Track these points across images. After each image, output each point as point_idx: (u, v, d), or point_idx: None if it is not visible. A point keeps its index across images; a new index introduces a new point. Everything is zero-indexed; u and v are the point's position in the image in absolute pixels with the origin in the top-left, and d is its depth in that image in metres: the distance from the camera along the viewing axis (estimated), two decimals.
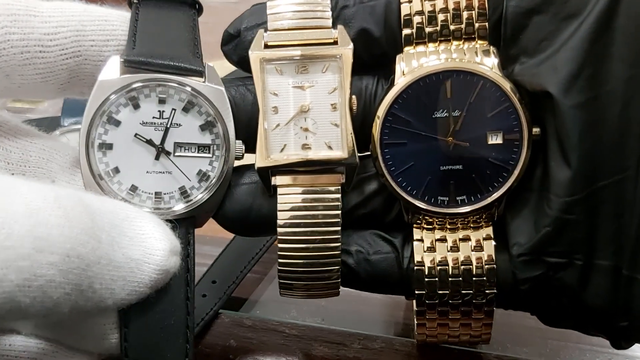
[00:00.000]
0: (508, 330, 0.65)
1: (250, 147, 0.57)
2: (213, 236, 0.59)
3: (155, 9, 0.59)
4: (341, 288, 0.59)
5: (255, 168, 0.56)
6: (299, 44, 0.56)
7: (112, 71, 0.54)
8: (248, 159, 0.58)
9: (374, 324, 0.72)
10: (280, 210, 0.56)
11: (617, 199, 0.53)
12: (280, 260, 0.57)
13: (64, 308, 0.44)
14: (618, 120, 0.52)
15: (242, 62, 0.58)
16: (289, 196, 0.56)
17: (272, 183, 0.57)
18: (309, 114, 0.56)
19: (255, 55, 0.56)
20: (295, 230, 0.56)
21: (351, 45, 0.56)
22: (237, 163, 0.58)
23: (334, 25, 0.57)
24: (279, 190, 0.57)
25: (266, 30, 0.57)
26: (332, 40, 0.56)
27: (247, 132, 0.57)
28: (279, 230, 0.56)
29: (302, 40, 0.56)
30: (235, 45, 0.58)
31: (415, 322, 0.60)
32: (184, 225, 0.56)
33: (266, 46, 0.56)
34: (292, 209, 0.56)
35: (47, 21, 0.54)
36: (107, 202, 0.50)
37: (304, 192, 0.57)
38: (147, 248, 0.49)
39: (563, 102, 0.52)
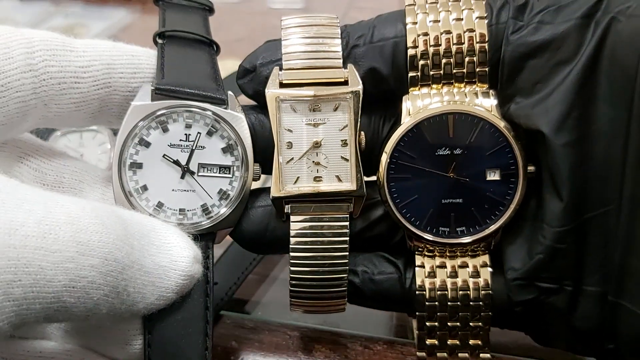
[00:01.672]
0: (510, 332, 0.66)
1: (267, 170, 0.61)
2: None
3: (179, 47, 0.63)
4: None
5: (271, 198, 0.60)
6: (312, 82, 0.60)
7: (144, 97, 0.59)
8: (264, 180, 0.62)
9: (375, 326, 0.74)
10: (292, 237, 0.60)
11: (602, 229, 0.57)
12: (292, 282, 0.61)
13: (102, 309, 0.48)
14: (603, 157, 0.56)
15: (257, 96, 0.62)
16: (301, 223, 0.60)
17: (286, 211, 0.60)
18: (320, 149, 0.60)
19: (271, 94, 0.59)
20: (306, 255, 0.60)
21: (361, 86, 0.59)
22: (254, 185, 0.62)
23: (345, 64, 0.60)
24: (292, 218, 0.60)
25: (281, 68, 0.60)
26: (342, 80, 0.60)
27: (264, 156, 0.61)
28: (291, 254, 0.60)
29: (315, 79, 0.60)
30: (251, 79, 0.62)
31: (416, 342, 0.64)
32: (205, 240, 0.60)
33: (281, 84, 0.60)
34: (303, 235, 0.60)
35: (82, 55, 0.58)
36: (136, 215, 0.55)
37: (314, 220, 0.60)
38: (173, 256, 0.53)
39: (554, 141, 0.56)
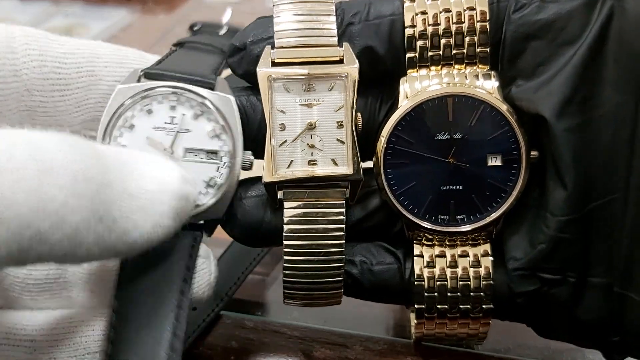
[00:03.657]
0: (510, 331, 0.65)
1: (259, 154, 0.58)
2: (214, 237, 0.59)
3: (189, 50, 0.64)
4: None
5: (263, 183, 0.57)
6: (306, 61, 0.57)
7: (130, 80, 0.57)
8: (257, 169, 0.59)
9: (375, 326, 0.72)
10: (286, 224, 0.58)
11: (608, 219, 0.55)
12: (285, 272, 0.59)
13: (87, 237, 0.43)
14: (608, 144, 0.54)
15: (248, 75, 0.59)
16: (295, 210, 0.58)
17: (279, 197, 0.58)
18: (315, 131, 0.57)
19: (263, 72, 0.57)
20: (300, 243, 0.58)
21: (357, 64, 0.57)
22: (247, 174, 0.59)
23: (340, 42, 0.58)
24: (285, 204, 0.58)
25: (273, 46, 0.58)
26: (338, 58, 0.57)
27: (256, 139, 0.59)
28: (285, 242, 0.58)
29: (309, 57, 0.57)
30: (241, 58, 0.59)
31: (414, 330, 0.63)
32: (190, 235, 0.57)
33: (273, 63, 0.57)
34: (297, 223, 0.58)
35: (64, 44, 0.56)
36: (111, 147, 0.53)
37: (309, 207, 0.58)
38: (160, 177, 0.50)
39: (556, 125, 0.54)
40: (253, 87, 0.59)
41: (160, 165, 0.51)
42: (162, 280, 0.54)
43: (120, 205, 0.46)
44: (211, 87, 0.58)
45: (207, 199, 0.57)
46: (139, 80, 0.57)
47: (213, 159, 0.57)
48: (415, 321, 0.61)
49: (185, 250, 0.56)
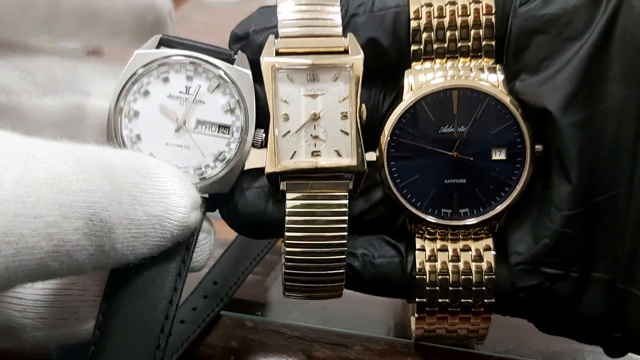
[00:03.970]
0: (510, 332, 0.65)
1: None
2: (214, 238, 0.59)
3: None
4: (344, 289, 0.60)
5: (265, 173, 0.57)
6: (310, 51, 0.57)
7: (149, 46, 0.57)
8: (259, 160, 0.59)
9: (375, 326, 0.72)
10: (288, 215, 0.57)
11: (612, 214, 0.55)
12: (286, 263, 0.58)
13: (87, 268, 0.45)
14: (613, 138, 0.54)
15: (249, 64, 0.59)
16: (297, 201, 0.57)
17: (281, 188, 0.57)
18: (319, 121, 0.57)
19: (266, 62, 0.56)
20: (303, 234, 0.57)
21: (362, 55, 0.56)
22: (255, 158, 0.59)
23: (344, 33, 0.57)
24: (288, 196, 0.57)
25: (276, 36, 0.57)
26: (342, 49, 0.57)
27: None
28: (286, 234, 0.57)
29: (313, 47, 0.57)
30: (243, 47, 0.59)
31: (414, 325, 0.62)
32: None
33: (277, 53, 0.57)
34: (299, 214, 0.57)
35: None
36: (129, 159, 0.50)
37: (312, 198, 0.57)
38: (168, 205, 0.50)
39: (562, 120, 0.54)
40: (253, 75, 0.59)
41: (172, 189, 0.51)
42: (157, 272, 0.53)
43: (125, 237, 0.47)
44: (230, 61, 0.58)
45: (214, 172, 0.57)
46: (158, 47, 0.57)
47: (224, 134, 0.57)
48: (415, 315, 0.61)
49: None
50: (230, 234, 0.72)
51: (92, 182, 0.44)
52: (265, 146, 0.58)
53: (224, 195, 0.59)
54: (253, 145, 0.58)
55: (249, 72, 0.58)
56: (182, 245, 0.53)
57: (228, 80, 0.57)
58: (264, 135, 0.58)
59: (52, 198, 0.42)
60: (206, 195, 0.57)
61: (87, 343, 0.52)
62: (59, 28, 0.57)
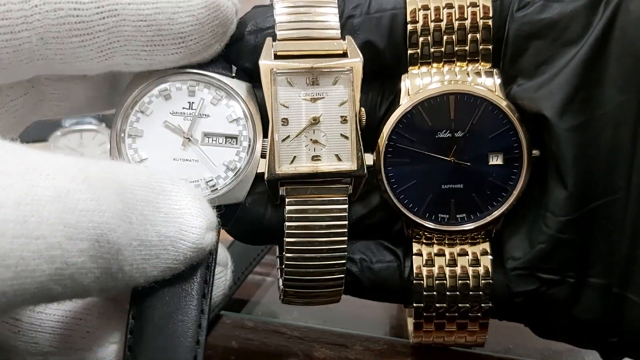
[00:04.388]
0: (510, 333, 0.65)
1: None
2: None
3: None
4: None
5: (265, 179, 0.56)
6: (309, 54, 0.56)
7: None
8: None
9: (375, 326, 0.72)
10: (287, 220, 0.56)
11: (608, 219, 0.55)
12: (286, 269, 0.57)
13: (93, 292, 0.43)
14: (610, 143, 0.54)
15: (244, 66, 0.58)
16: (296, 206, 0.57)
17: (280, 194, 0.57)
18: (319, 126, 0.56)
19: (265, 65, 0.55)
20: (302, 240, 0.56)
21: (361, 58, 0.56)
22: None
23: (342, 35, 0.57)
24: (287, 201, 0.57)
25: (274, 38, 0.56)
26: (341, 52, 0.56)
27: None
28: (286, 240, 0.56)
29: (312, 50, 0.56)
30: (238, 49, 0.57)
31: (412, 334, 0.62)
32: None
33: (276, 56, 0.56)
34: (299, 220, 0.56)
35: None
36: (142, 175, 0.47)
37: (311, 203, 0.57)
38: (182, 225, 0.48)
39: (558, 125, 0.54)
40: (247, 77, 0.58)
41: (187, 209, 0.48)
42: (182, 283, 0.52)
43: (135, 259, 0.45)
44: (229, 74, 0.57)
45: (226, 182, 0.56)
46: None
47: (232, 144, 0.56)
48: (412, 321, 0.61)
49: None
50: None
51: (101, 201, 0.42)
52: None
53: (236, 207, 0.58)
54: (261, 155, 0.57)
55: (249, 84, 0.57)
56: (201, 265, 0.52)
57: (231, 91, 0.56)
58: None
59: (57, 217, 0.39)
60: (221, 209, 0.55)
61: None
62: (122, 55, 0.53)
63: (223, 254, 0.56)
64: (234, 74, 0.57)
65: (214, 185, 0.56)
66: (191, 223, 0.48)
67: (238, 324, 0.71)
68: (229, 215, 0.57)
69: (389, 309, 0.75)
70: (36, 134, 0.97)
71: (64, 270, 0.40)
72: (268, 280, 0.82)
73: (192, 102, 0.56)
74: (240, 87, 0.57)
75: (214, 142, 0.56)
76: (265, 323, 0.71)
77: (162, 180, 0.49)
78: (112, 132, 0.56)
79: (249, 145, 0.56)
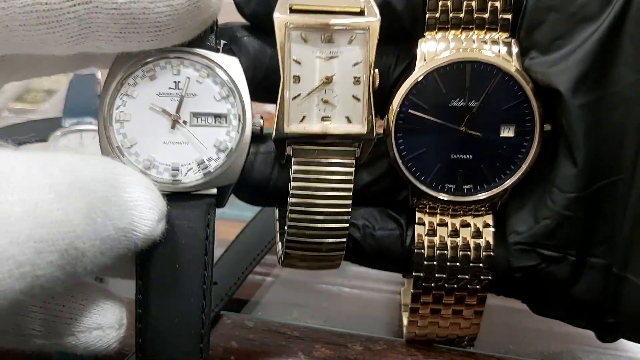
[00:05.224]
0: (510, 332, 0.65)
1: (264, 98, 0.57)
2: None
3: None
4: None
5: (272, 137, 0.55)
6: (326, 10, 0.54)
7: None
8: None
9: (375, 326, 0.72)
10: (293, 180, 0.56)
11: (612, 199, 0.55)
12: (289, 230, 0.57)
13: (58, 291, 0.44)
14: (619, 122, 0.54)
15: (256, 17, 0.57)
16: (303, 166, 0.56)
17: (287, 153, 0.56)
18: (331, 85, 0.54)
19: (280, 19, 0.53)
20: (307, 201, 0.56)
21: (378, 17, 0.54)
22: None
23: None
24: (294, 160, 0.56)
25: None
26: (358, 10, 0.54)
27: (264, 88, 0.56)
28: (291, 200, 0.56)
29: (329, 6, 0.54)
30: None
31: (410, 306, 0.61)
32: (204, 204, 0.55)
33: (291, 10, 0.54)
34: (304, 180, 0.55)
35: None
36: (98, 169, 0.47)
37: (318, 164, 0.56)
38: (134, 217, 0.47)
39: (572, 101, 0.53)
40: (258, 29, 0.57)
41: (140, 201, 0.48)
42: (183, 259, 0.53)
43: (95, 255, 0.44)
44: (216, 49, 0.55)
45: (219, 164, 0.55)
46: None
47: (221, 123, 0.55)
48: (411, 291, 0.60)
49: (202, 222, 0.55)
50: (230, 234, 0.73)
51: (68, 210, 0.42)
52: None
53: (229, 187, 0.57)
54: (253, 132, 0.56)
55: (236, 58, 0.56)
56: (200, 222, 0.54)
57: (217, 68, 0.55)
58: (262, 121, 0.56)
59: (27, 235, 0.39)
60: (214, 191, 0.56)
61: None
62: (94, 42, 0.50)
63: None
64: (220, 47, 0.56)
65: (205, 167, 0.55)
66: (144, 215, 0.48)
67: (238, 324, 0.70)
68: (223, 195, 0.57)
69: (389, 309, 0.75)
70: (36, 134, 0.98)
71: (33, 283, 0.39)
72: (268, 280, 0.81)
73: (178, 82, 0.54)
74: (227, 62, 0.55)
75: (202, 121, 0.55)
76: (265, 323, 0.70)
77: (117, 172, 0.48)
78: (99, 117, 0.54)
79: (239, 123, 0.55)
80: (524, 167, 0.57)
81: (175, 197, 0.54)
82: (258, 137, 0.57)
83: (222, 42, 0.56)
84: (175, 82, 0.54)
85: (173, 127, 0.54)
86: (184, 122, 0.54)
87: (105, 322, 0.51)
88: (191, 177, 0.55)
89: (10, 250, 0.38)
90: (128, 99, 0.54)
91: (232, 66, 0.55)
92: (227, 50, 0.56)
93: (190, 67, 0.54)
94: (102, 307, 0.51)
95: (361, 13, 0.55)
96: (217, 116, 0.55)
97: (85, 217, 0.43)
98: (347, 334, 0.68)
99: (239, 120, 0.55)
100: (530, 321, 0.61)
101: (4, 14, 0.46)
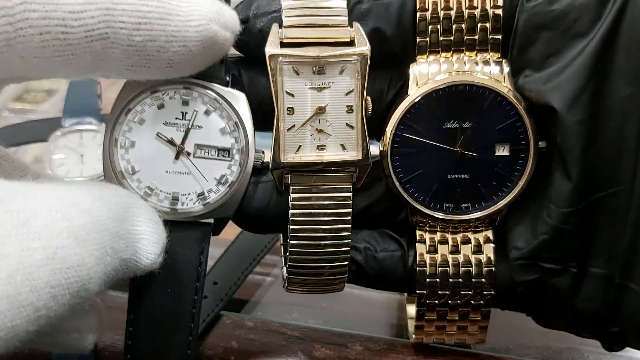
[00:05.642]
0: (510, 333, 0.65)
1: (256, 128, 0.57)
2: (214, 237, 0.58)
3: None
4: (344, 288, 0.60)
5: (270, 168, 0.56)
6: (316, 42, 0.55)
7: None
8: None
9: (375, 325, 0.72)
10: (292, 208, 0.56)
11: (611, 210, 0.55)
12: (291, 256, 0.57)
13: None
14: (616, 135, 0.54)
15: (248, 50, 0.57)
16: (301, 194, 0.57)
17: (285, 182, 0.57)
18: (324, 115, 0.55)
19: (272, 54, 0.54)
20: (307, 227, 0.57)
21: (368, 46, 0.54)
22: None
23: (349, 21, 0.56)
24: (292, 188, 0.56)
25: (280, 25, 0.55)
26: (348, 39, 0.55)
27: (255, 120, 0.57)
28: (291, 227, 0.57)
29: (319, 38, 0.55)
30: (242, 31, 0.55)
31: (414, 323, 0.62)
32: (200, 231, 0.57)
33: (282, 44, 0.55)
34: (303, 207, 0.56)
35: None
36: (112, 206, 0.47)
37: (316, 191, 0.57)
38: (138, 249, 0.49)
39: (567, 117, 0.54)
40: (250, 60, 0.58)
41: (144, 235, 0.49)
42: (176, 283, 0.55)
43: (100, 285, 0.45)
44: (224, 84, 0.56)
45: (218, 197, 0.56)
46: None
47: (224, 157, 0.56)
48: (415, 309, 0.61)
49: (197, 249, 0.56)
50: (230, 234, 0.73)
51: (84, 254, 0.42)
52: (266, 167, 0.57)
53: (227, 219, 0.58)
54: (254, 166, 0.57)
55: (244, 94, 0.56)
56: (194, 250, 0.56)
57: (224, 102, 0.55)
58: (264, 155, 0.57)
59: (45, 282, 0.40)
60: (211, 221, 0.57)
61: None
62: (105, 72, 0.50)
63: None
64: (228, 78, 0.56)
65: (205, 199, 0.56)
66: (148, 249, 0.49)
67: (238, 324, 0.71)
68: (220, 225, 0.58)
69: (389, 309, 0.75)
70: (36, 134, 0.97)
71: (45, 322, 0.40)
72: (268, 280, 0.82)
73: (185, 113, 0.55)
74: (233, 97, 0.56)
75: (206, 154, 0.56)
76: (265, 323, 0.71)
77: (127, 205, 0.49)
78: (105, 138, 0.55)
79: (242, 157, 0.56)
80: (521, 184, 0.57)
81: (173, 222, 0.55)
82: (258, 168, 0.58)
83: (232, 73, 0.57)
84: (182, 112, 0.55)
85: (177, 157, 0.55)
86: (188, 153, 0.55)
87: (84, 326, 0.51)
88: (190, 207, 0.56)
89: (30, 297, 0.39)
90: (134, 126, 0.55)
91: (238, 101, 0.56)
92: (235, 83, 0.57)
93: (198, 99, 0.55)
94: (81, 312, 0.51)
95: (351, 42, 0.55)
96: (220, 150, 0.56)
97: (97, 259, 0.43)
98: (347, 334, 0.69)
99: (242, 154, 0.56)
100: (530, 321, 0.61)
101: (22, 48, 0.46)
